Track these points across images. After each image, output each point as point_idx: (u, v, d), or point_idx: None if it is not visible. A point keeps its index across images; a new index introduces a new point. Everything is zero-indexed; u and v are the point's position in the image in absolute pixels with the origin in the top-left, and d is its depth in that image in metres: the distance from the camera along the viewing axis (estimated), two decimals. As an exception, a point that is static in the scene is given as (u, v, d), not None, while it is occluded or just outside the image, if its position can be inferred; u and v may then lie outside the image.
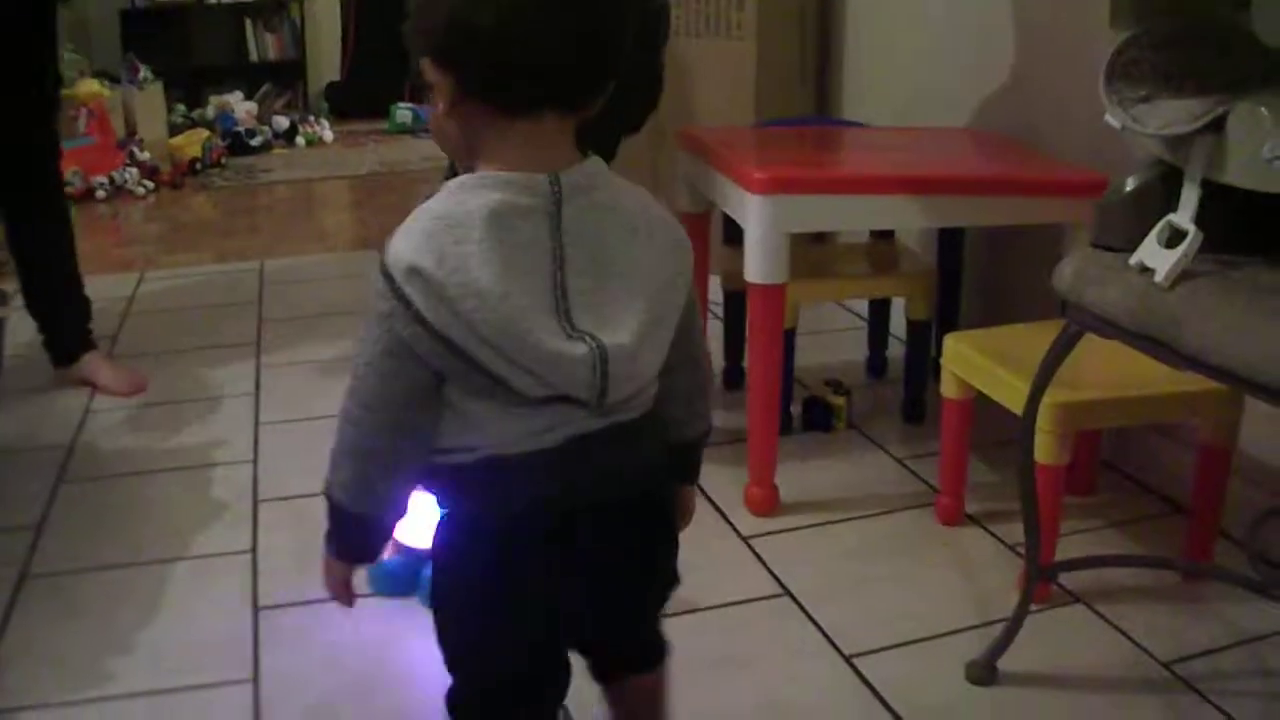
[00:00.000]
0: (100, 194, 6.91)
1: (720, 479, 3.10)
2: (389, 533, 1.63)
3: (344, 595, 1.70)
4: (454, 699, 1.74)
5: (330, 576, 1.68)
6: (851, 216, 3.03)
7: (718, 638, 2.48)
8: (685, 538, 2.76)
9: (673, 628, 2.46)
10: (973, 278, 3.55)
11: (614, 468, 1.59)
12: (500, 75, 1.44)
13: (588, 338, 1.47)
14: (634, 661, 1.92)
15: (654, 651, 1.93)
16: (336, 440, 1.55)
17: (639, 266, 1.52)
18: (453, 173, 1.84)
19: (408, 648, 2.48)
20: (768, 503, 2.95)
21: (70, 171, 6.74)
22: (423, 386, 1.48)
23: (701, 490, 3.05)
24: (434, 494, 1.60)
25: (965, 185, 2.91)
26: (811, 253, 3.54)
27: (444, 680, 1.73)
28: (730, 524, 2.92)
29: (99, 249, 5.90)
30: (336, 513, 1.59)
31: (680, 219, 3.33)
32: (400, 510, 1.59)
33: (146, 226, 6.42)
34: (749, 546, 2.82)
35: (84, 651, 2.51)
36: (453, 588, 1.65)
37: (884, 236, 3.63)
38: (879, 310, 3.77)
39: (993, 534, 2.85)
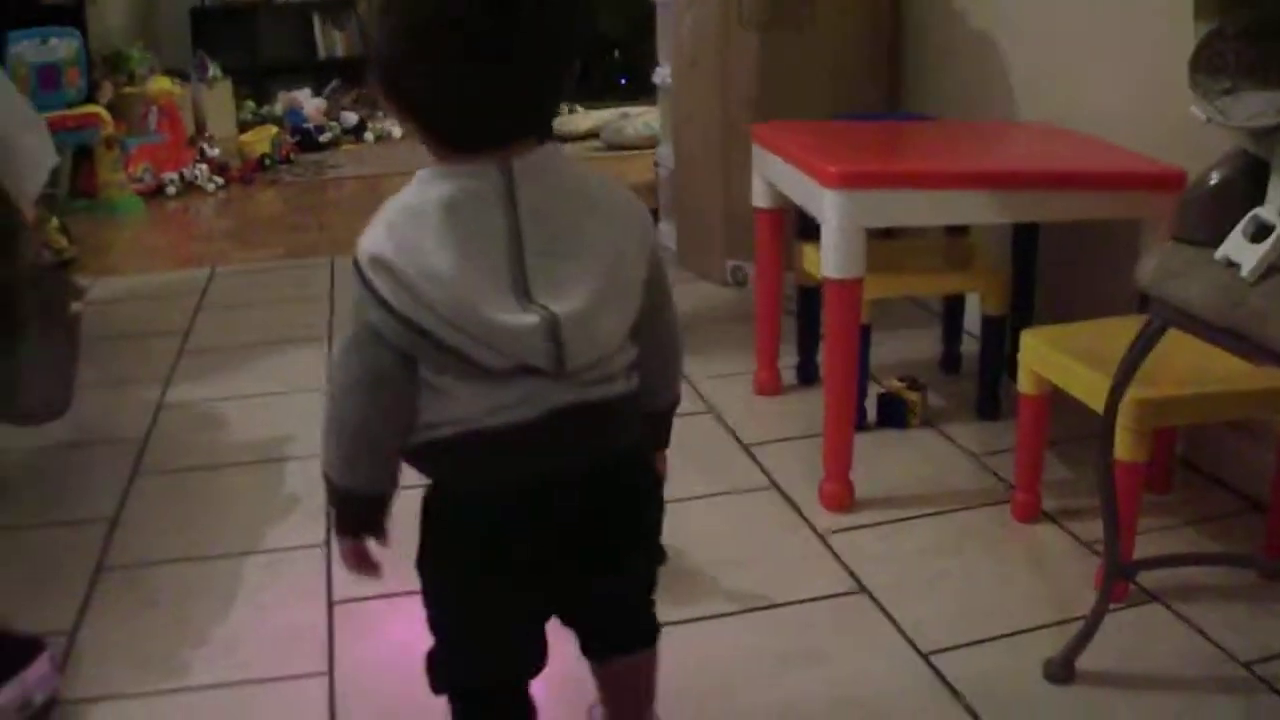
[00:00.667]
0: (170, 190, 6.97)
1: (795, 475, 3.10)
2: (382, 505, 1.70)
3: (364, 568, 1.76)
4: (432, 659, 1.82)
5: (343, 552, 1.75)
6: (928, 211, 3.01)
7: (793, 634, 2.47)
8: (760, 533, 2.80)
9: (747, 623, 2.50)
10: (1047, 272, 3.51)
11: (588, 442, 1.68)
12: (436, 127, 1.60)
13: (538, 307, 1.55)
14: (623, 641, 1.97)
15: (643, 632, 1.98)
16: (323, 421, 1.65)
17: (596, 241, 1.61)
18: None
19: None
20: (843, 499, 2.93)
21: (141, 168, 6.84)
22: (393, 367, 1.58)
23: (776, 486, 3.05)
24: (419, 468, 1.70)
25: (1042, 180, 2.87)
26: (884, 248, 3.52)
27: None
28: (806, 520, 2.90)
29: (170, 244, 5.96)
30: (331, 490, 1.69)
31: (754, 215, 3.36)
32: (389, 484, 1.69)
33: (217, 222, 6.47)
34: (824, 542, 2.80)
35: (160, 643, 2.53)
36: (436, 556, 1.74)
37: (957, 231, 3.60)
38: (953, 305, 3.75)
39: (1069, 531, 2.82)
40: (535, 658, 1.82)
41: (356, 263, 1.57)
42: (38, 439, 3.44)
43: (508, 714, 1.88)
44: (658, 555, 1.89)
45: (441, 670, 1.82)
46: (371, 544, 1.74)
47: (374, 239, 1.56)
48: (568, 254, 1.59)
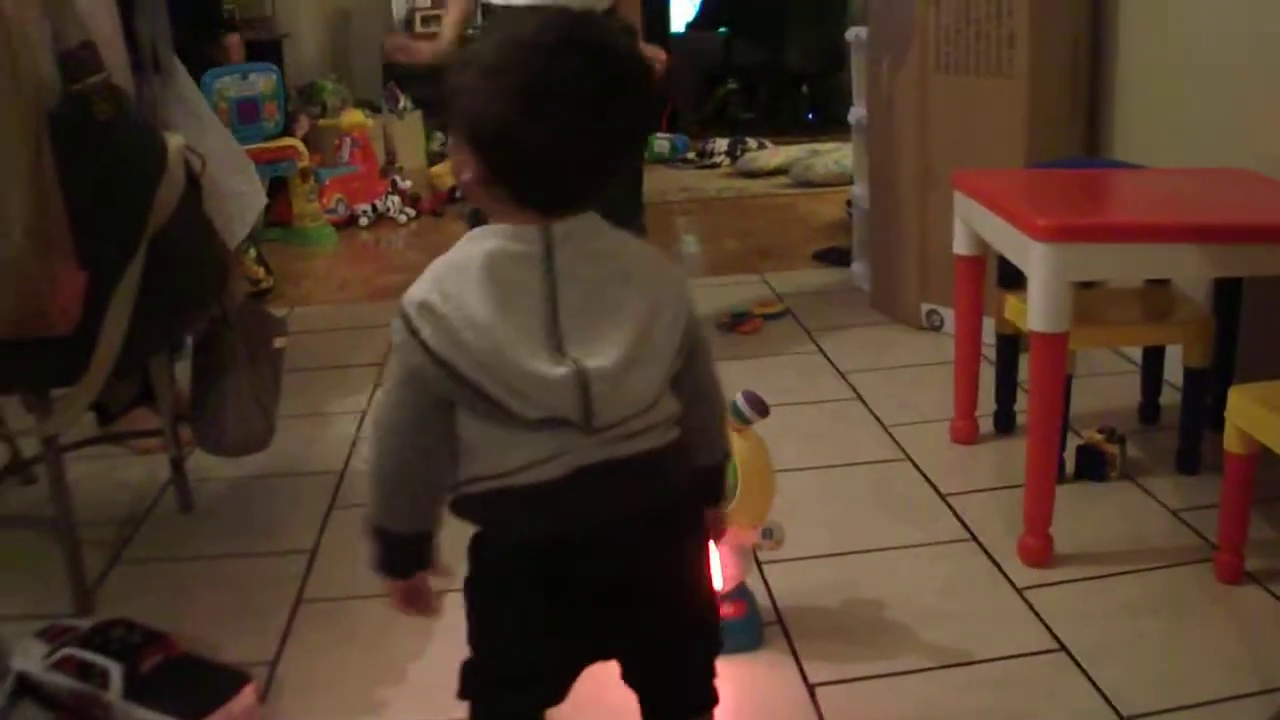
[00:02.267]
0: (363, 221, 7.11)
1: (994, 527, 3.06)
2: (421, 544, 1.78)
3: (416, 604, 1.86)
4: (465, 668, 1.91)
5: (389, 594, 1.84)
6: (1137, 265, 2.96)
7: (991, 692, 2.43)
8: (959, 587, 2.76)
9: (946, 680, 2.47)
10: (1248, 324, 3.43)
11: (619, 499, 1.73)
12: (530, 186, 1.65)
13: (570, 360, 1.64)
14: (675, 709, 2.00)
15: (695, 703, 2.01)
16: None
17: (627, 304, 1.69)
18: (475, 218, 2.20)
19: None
20: (1043, 554, 2.89)
21: (334, 199, 6.98)
22: (432, 410, 1.67)
23: (975, 539, 3.01)
24: (461, 518, 1.77)
25: (1254, 233, 2.80)
26: (1085, 297, 3.46)
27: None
28: (1004, 575, 2.86)
29: (363, 276, 6.06)
30: (373, 533, 1.77)
31: (955, 262, 3.33)
32: (428, 524, 1.76)
33: (409, 254, 6.57)
34: (1023, 598, 2.76)
35: (359, 678, 2.56)
36: (475, 590, 1.83)
37: (1159, 281, 3.53)
38: (1153, 356, 3.67)
39: (1274, 594, 2.73)
40: (556, 697, 1.90)
41: (403, 310, 1.64)
42: (240, 469, 3.52)
43: None
44: (710, 617, 1.97)
45: (468, 682, 1.91)
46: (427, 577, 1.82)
47: (423, 288, 1.64)
48: (600, 315, 1.67)
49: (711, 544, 2.03)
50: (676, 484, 1.81)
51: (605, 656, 1.90)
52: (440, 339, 1.61)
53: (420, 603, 1.85)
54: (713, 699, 2.01)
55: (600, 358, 1.65)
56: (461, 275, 1.64)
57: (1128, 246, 2.77)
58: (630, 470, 1.72)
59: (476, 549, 1.80)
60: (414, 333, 1.63)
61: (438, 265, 1.67)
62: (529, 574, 1.75)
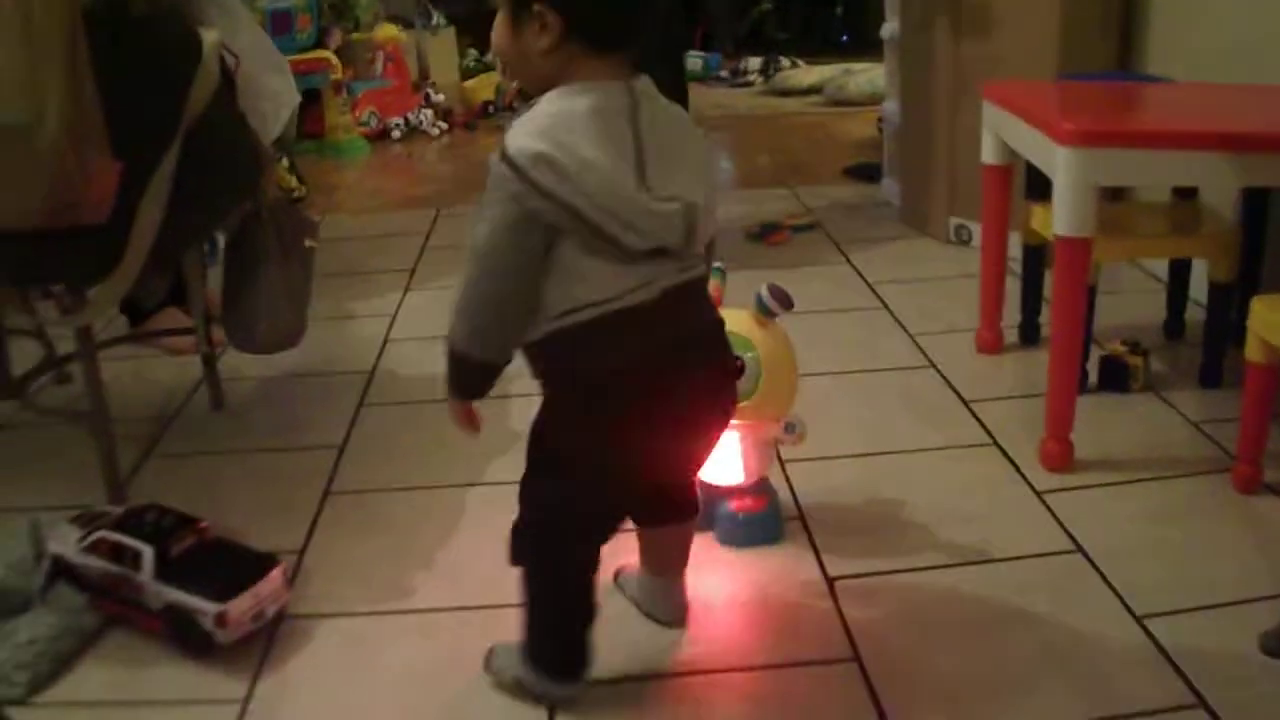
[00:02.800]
0: (395, 134, 7.13)
1: (1015, 433, 3.09)
2: (498, 374, 1.99)
3: (470, 424, 2.10)
4: (523, 530, 2.11)
5: (456, 414, 2.09)
6: (1162, 171, 2.97)
7: (1007, 590, 2.46)
8: (979, 489, 2.81)
9: (963, 577, 2.51)
10: (1277, 240, 3.44)
11: (693, 315, 2.03)
12: (609, 22, 1.88)
13: (677, 198, 1.89)
14: (673, 515, 2.30)
15: (689, 506, 2.32)
16: (461, 300, 1.92)
17: (693, 156, 1.97)
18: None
19: (701, 583, 2.50)
20: (1063, 459, 2.91)
21: (367, 112, 7.00)
22: (537, 253, 1.85)
23: (996, 443, 3.05)
24: (553, 356, 1.97)
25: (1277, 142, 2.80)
26: (1111, 210, 3.47)
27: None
28: (1024, 478, 2.88)
29: (395, 187, 6.09)
30: (459, 360, 1.98)
31: (983, 172, 3.35)
32: (506, 357, 1.97)
33: (440, 166, 6.60)
34: (1043, 501, 2.78)
35: (385, 566, 2.62)
36: (560, 449, 2.06)
37: (1186, 195, 3.53)
38: (1179, 271, 3.68)
39: (1292, 504, 2.77)
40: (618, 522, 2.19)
41: (514, 162, 1.80)
42: (270, 368, 3.58)
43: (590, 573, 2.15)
44: None
45: (534, 539, 2.10)
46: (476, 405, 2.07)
47: (528, 141, 1.81)
48: (677, 162, 1.92)
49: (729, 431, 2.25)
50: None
51: (665, 476, 2.19)
52: (563, 185, 1.80)
53: (476, 422, 2.09)
54: (694, 506, 2.34)
55: (694, 195, 1.92)
56: (569, 124, 1.83)
57: (1152, 153, 2.78)
58: (694, 290, 2.01)
59: (562, 403, 2.04)
60: (532, 182, 1.80)
61: (543, 118, 1.84)
62: (639, 385, 1.95)
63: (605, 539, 2.12)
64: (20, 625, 2.32)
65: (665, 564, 2.37)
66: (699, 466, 2.23)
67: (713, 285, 2.56)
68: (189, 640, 2.30)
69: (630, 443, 1.98)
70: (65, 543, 2.45)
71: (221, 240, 3.36)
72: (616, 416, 1.97)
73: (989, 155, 3.41)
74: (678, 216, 1.89)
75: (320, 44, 6.82)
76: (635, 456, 2.01)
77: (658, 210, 1.86)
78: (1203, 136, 2.76)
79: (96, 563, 2.38)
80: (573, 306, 1.89)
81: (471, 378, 2.01)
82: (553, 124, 1.83)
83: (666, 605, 2.38)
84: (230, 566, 2.36)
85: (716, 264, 2.62)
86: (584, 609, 2.13)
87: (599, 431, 1.98)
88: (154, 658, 2.33)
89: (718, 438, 2.13)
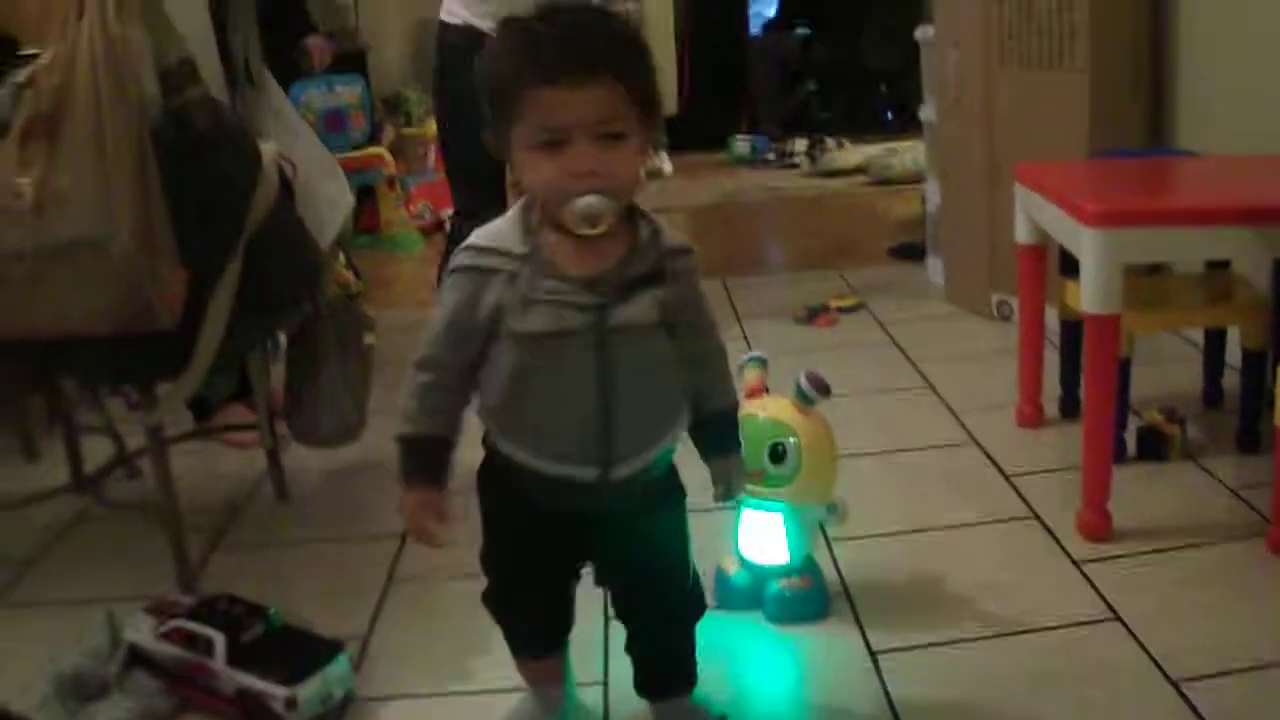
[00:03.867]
0: (449, 227, 7.21)
1: (1053, 505, 3.15)
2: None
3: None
4: (485, 592, 2.32)
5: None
6: (1188, 247, 3.07)
7: (1046, 657, 2.53)
8: (1019, 561, 2.90)
9: (1003, 647, 2.57)
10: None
11: None
12: None
13: None
14: (653, 686, 2.35)
15: (674, 680, 2.34)
16: None
17: None
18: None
19: (749, 660, 2.62)
20: (1100, 528, 2.98)
21: (421, 205, 7.11)
22: None
23: (1036, 515, 3.12)
24: None
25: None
26: (1146, 283, 3.56)
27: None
28: (1063, 549, 2.95)
29: (450, 279, 6.18)
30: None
31: (1017, 251, 3.43)
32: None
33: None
34: (1080, 571, 2.85)
35: (447, 650, 2.70)
36: None
37: (1219, 266, 3.60)
38: (1215, 339, 3.75)
39: (1327, 567, 2.82)
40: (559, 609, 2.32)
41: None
42: (333, 460, 3.67)
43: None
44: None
45: (490, 599, 2.37)
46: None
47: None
48: None
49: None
50: None
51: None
52: None
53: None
54: (690, 680, 2.35)
55: None
56: None
57: (1176, 230, 2.87)
58: None
59: None
60: None
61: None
62: None
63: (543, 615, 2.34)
64: (99, 710, 2.42)
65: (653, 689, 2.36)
66: None
67: (755, 375, 2.69)
68: (261, 723, 2.40)
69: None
70: (140, 631, 2.56)
71: (284, 338, 3.48)
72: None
73: (1022, 235, 3.51)
74: None
75: (374, 140, 6.97)
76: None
77: None
78: (1226, 213, 2.85)
79: (171, 650, 2.49)
80: None
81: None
82: None
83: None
84: (298, 652, 2.46)
85: (757, 353, 2.74)
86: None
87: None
88: (228, 741, 2.43)
89: None
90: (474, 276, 1.98)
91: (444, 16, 4.21)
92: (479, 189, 4.15)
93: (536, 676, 2.37)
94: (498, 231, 1.99)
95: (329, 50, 6.48)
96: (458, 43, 4.09)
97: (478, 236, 2.00)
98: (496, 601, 2.31)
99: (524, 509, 2.12)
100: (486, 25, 3.89)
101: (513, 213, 2.00)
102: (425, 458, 2.08)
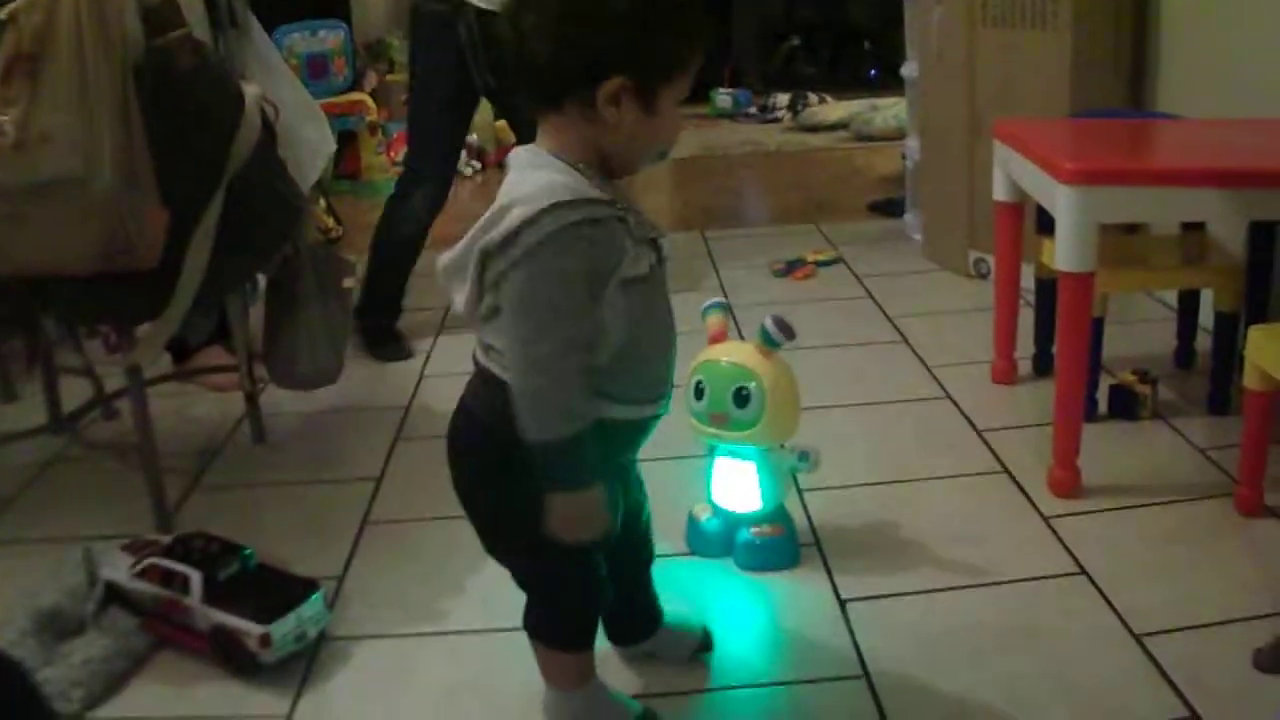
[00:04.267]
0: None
1: (1024, 460, 3.19)
2: None
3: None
4: (557, 579, 2.17)
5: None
6: (1161, 208, 3.10)
7: (1011, 610, 2.56)
8: (988, 515, 2.93)
9: (969, 598, 2.60)
10: (1284, 270, 3.53)
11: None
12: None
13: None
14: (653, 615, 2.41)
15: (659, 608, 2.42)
16: None
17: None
18: None
19: (719, 605, 2.65)
20: (1069, 485, 3.01)
21: (402, 152, 7.06)
22: None
23: (1007, 470, 3.16)
24: None
25: (1269, 178, 2.88)
26: (1122, 242, 3.58)
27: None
28: (1032, 503, 2.99)
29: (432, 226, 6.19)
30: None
31: (994, 208, 3.44)
32: None
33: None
34: (1049, 526, 2.88)
35: (420, 591, 2.74)
36: None
37: (1194, 228, 3.63)
38: (1189, 302, 3.77)
39: (1292, 526, 2.86)
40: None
41: None
42: (310, 404, 3.71)
43: None
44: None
45: None
46: None
47: None
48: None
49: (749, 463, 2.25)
50: (477, 403, 2.07)
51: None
52: None
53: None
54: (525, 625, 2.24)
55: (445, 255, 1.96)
56: None
57: (1151, 190, 2.89)
58: (476, 371, 2.05)
59: None
60: None
61: None
62: None
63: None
64: (76, 647, 2.45)
65: (645, 627, 2.44)
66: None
67: (715, 320, 2.71)
68: (234, 660, 2.43)
69: None
70: (117, 569, 2.59)
71: (263, 281, 3.50)
72: None
73: (1000, 192, 3.53)
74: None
75: (356, 86, 6.96)
76: None
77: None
78: (1202, 174, 2.86)
79: (147, 588, 2.52)
80: None
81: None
82: None
83: (679, 649, 2.44)
84: (273, 591, 2.49)
85: (717, 300, 2.76)
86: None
87: None
88: (201, 677, 2.46)
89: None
90: (603, 229, 1.87)
91: None
92: (433, 156, 4.33)
93: (586, 670, 2.24)
94: (575, 187, 1.86)
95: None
96: (435, 11, 4.09)
97: (565, 193, 1.84)
98: (577, 588, 2.16)
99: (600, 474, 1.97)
100: None
101: (561, 170, 1.89)
102: (587, 448, 1.92)
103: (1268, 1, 3.74)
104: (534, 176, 1.87)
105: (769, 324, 2.65)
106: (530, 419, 1.88)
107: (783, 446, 2.74)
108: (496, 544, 2.18)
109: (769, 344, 2.67)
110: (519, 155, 1.95)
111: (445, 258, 1.96)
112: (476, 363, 2.04)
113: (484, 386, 2.01)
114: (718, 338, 2.76)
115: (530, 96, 1.91)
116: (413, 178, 4.39)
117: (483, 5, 3.94)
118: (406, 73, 4.49)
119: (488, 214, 1.87)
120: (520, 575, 2.19)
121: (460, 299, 1.95)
